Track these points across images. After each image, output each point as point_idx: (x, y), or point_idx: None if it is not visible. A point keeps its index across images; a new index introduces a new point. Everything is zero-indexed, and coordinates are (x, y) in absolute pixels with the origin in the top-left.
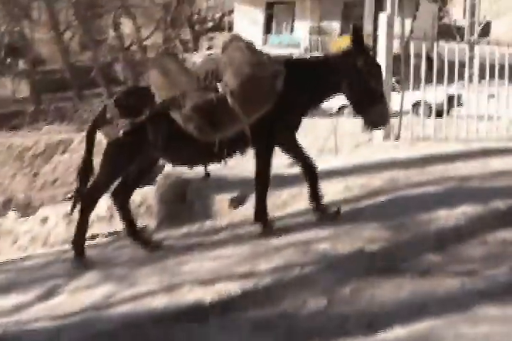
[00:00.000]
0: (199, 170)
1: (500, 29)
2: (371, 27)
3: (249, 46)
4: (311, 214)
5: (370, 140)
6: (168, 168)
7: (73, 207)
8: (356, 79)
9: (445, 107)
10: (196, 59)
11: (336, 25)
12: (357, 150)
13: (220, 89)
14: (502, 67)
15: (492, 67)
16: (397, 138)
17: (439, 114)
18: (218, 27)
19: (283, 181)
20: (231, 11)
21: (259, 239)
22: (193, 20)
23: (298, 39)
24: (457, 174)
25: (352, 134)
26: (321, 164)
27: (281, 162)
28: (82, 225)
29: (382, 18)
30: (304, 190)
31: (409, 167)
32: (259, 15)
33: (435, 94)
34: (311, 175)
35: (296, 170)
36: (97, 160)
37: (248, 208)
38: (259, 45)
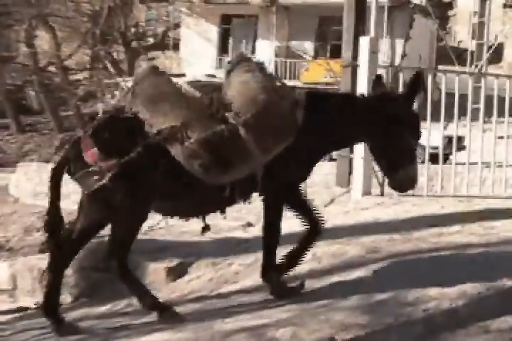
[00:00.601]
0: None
1: None
2: (350, 54)
3: (262, 68)
4: (269, 290)
5: (347, 193)
6: None
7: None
8: (397, 133)
9: (441, 152)
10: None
11: (308, 46)
12: (330, 207)
13: (231, 120)
14: None
15: (501, 101)
16: (381, 193)
17: (435, 160)
18: (161, 44)
19: (235, 247)
20: (177, 25)
21: (204, 322)
22: (129, 35)
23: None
24: (454, 241)
25: (326, 184)
26: (284, 223)
27: (228, 223)
28: (136, 285)
29: (364, 42)
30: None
31: (394, 231)
32: (212, 31)
33: (429, 135)
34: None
35: (252, 233)
36: None
37: (191, 280)
38: (211, 68)
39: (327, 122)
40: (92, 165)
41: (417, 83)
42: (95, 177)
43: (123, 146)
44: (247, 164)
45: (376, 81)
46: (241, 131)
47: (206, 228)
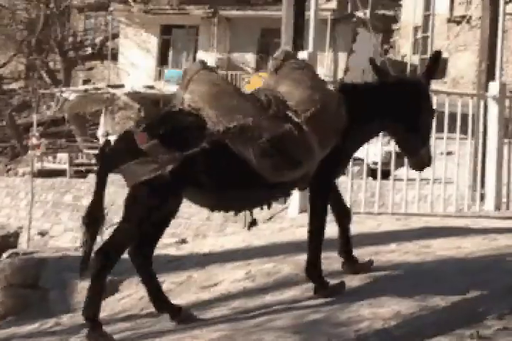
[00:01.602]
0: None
1: (458, 68)
2: None
3: (309, 66)
4: (204, 309)
5: (285, 210)
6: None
7: (85, 264)
8: (420, 113)
9: (380, 168)
10: (69, 95)
11: (250, 58)
12: (266, 225)
13: (294, 118)
14: (453, 118)
15: (441, 117)
16: None
17: (374, 176)
18: (99, 54)
19: (167, 264)
20: (116, 35)
21: None
22: (66, 44)
23: None
24: (389, 260)
25: None
26: (221, 240)
27: (162, 240)
28: (98, 291)
29: (302, 57)
30: (194, 276)
31: (330, 249)
32: (152, 42)
33: (368, 150)
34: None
35: (185, 250)
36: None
37: (122, 298)
38: (150, 79)
39: (362, 116)
40: (149, 155)
41: (436, 63)
42: (152, 167)
43: (185, 140)
44: (310, 162)
45: (375, 66)
46: (305, 130)
47: (253, 223)
